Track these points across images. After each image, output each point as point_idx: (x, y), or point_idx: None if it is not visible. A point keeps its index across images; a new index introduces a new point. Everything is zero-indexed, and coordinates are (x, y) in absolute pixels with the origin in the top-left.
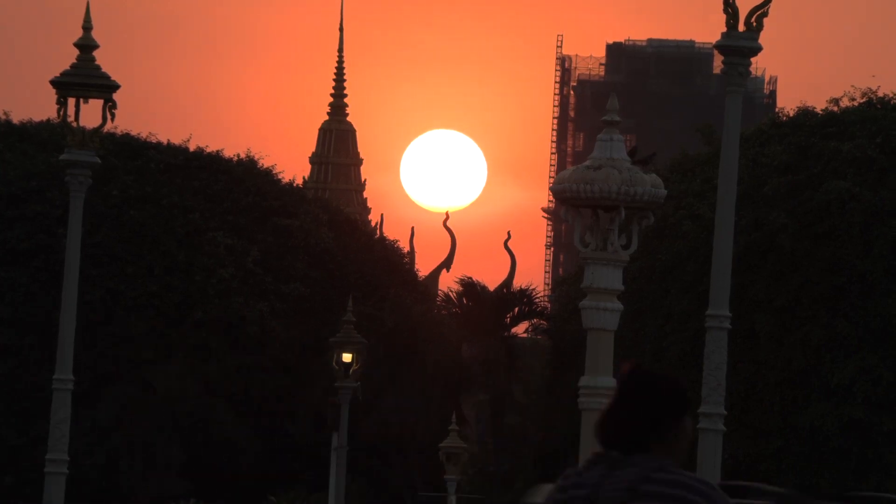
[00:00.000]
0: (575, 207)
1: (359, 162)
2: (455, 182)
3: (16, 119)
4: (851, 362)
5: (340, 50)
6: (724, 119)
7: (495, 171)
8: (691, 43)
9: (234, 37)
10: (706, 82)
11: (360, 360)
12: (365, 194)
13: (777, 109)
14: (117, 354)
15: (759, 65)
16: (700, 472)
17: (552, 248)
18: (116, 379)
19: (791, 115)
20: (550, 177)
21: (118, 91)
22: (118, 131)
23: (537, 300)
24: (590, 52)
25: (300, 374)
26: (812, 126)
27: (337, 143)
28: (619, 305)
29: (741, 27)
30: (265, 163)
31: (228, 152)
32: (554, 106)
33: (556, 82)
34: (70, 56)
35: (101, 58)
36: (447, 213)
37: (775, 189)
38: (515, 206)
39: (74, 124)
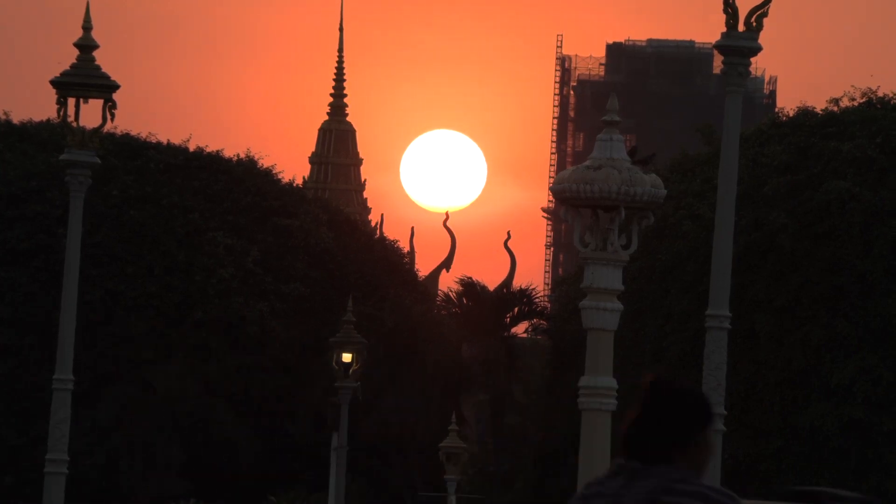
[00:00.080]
0: (575, 207)
1: (359, 162)
2: (455, 182)
3: (16, 119)
4: (851, 362)
5: (340, 50)
6: (724, 119)
7: (495, 171)
8: (691, 43)
9: (234, 37)
10: (706, 82)
11: (360, 360)
12: (365, 194)
13: (777, 109)
14: (117, 354)
15: (759, 65)
16: None
17: (552, 248)
18: (116, 379)
19: (791, 115)
20: (550, 177)
21: (118, 91)
22: (118, 131)
23: (537, 300)
24: (590, 52)
25: (300, 374)
26: (812, 126)
27: (337, 143)
28: (619, 305)
29: (741, 27)
30: (265, 163)
31: (228, 152)
32: (554, 106)
33: (556, 82)
34: (70, 56)
35: (101, 58)
36: (447, 213)
37: (775, 189)
38: (515, 206)
39: (74, 124)
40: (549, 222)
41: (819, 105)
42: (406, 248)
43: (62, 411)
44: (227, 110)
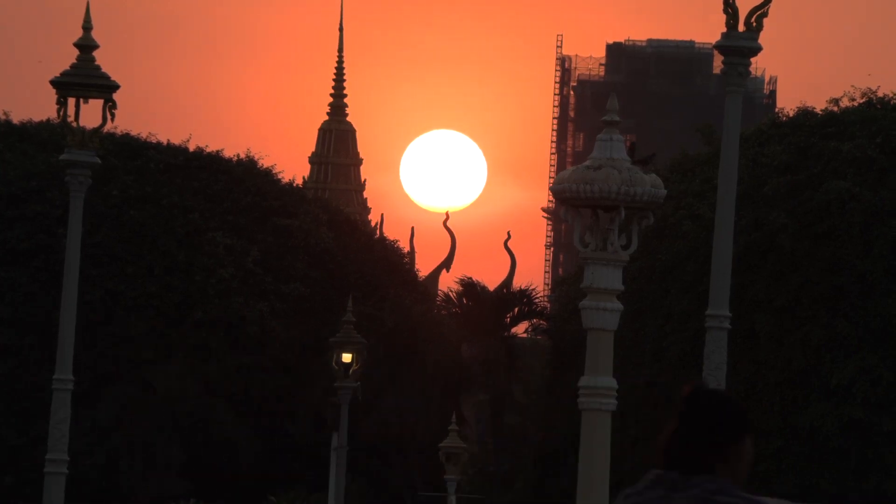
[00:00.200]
0: (575, 207)
1: (359, 162)
2: (455, 182)
3: (16, 119)
4: (851, 362)
5: (340, 50)
6: (724, 119)
7: (495, 171)
8: (691, 43)
9: (234, 37)
10: (706, 82)
11: (360, 360)
12: (365, 194)
13: (777, 109)
14: (117, 354)
15: (759, 65)
16: None
17: (552, 248)
18: (116, 379)
19: (791, 115)
20: (550, 177)
21: (118, 91)
22: (118, 131)
23: (537, 300)
24: (590, 52)
25: (300, 374)
26: (812, 126)
27: (337, 143)
28: (619, 305)
29: (741, 27)
30: (265, 163)
31: (228, 152)
32: (554, 106)
33: (556, 82)
34: (70, 56)
35: (101, 58)
36: (447, 213)
37: (775, 189)
38: (515, 206)
39: (74, 124)
40: (549, 222)
41: (819, 105)
42: (406, 248)
43: (62, 411)
44: (227, 110)
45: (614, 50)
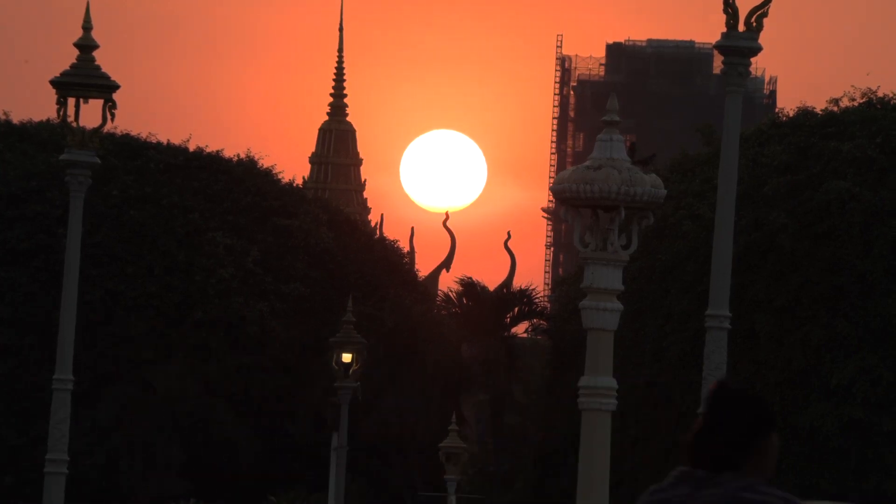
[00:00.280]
0: (575, 207)
1: (359, 162)
2: (455, 182)
3: (16, 119)
4: (851, 362)
5: (340, 50)
6: (724, 119)
7: (495, 171)
8: (691, 43)
9: (234, 37)
10: (706, 82)
11: (360, 360)
12: (365, 194)
13: (777, 109)
14: (117, 354)
15: (759, 65)
16: None
17: (552, 248)
18: (116, 379)
19: (791, 115)
20: (550, 177)
21: (118, 91)
22: (118, 131)
23: (537, 300)
24: (590, 52)
25: (300, 374)
26: (812, 126)
27: (337, 143)
28: (619, 305)
29: (741, 27)
30: (265, 163)
31: (228, 152)
32: (554, 106)
33: (556, 82)
34: (70, 56)
35: (101, 58)
36: (447, 214)
37: (775, 189)
38: (515, 206)
39: (74, 124)
40: (549, 222)
41: (819, 105)
42: (406, 248)
43: (62, 411)
44: (227, 110)
45: (614, 50)
